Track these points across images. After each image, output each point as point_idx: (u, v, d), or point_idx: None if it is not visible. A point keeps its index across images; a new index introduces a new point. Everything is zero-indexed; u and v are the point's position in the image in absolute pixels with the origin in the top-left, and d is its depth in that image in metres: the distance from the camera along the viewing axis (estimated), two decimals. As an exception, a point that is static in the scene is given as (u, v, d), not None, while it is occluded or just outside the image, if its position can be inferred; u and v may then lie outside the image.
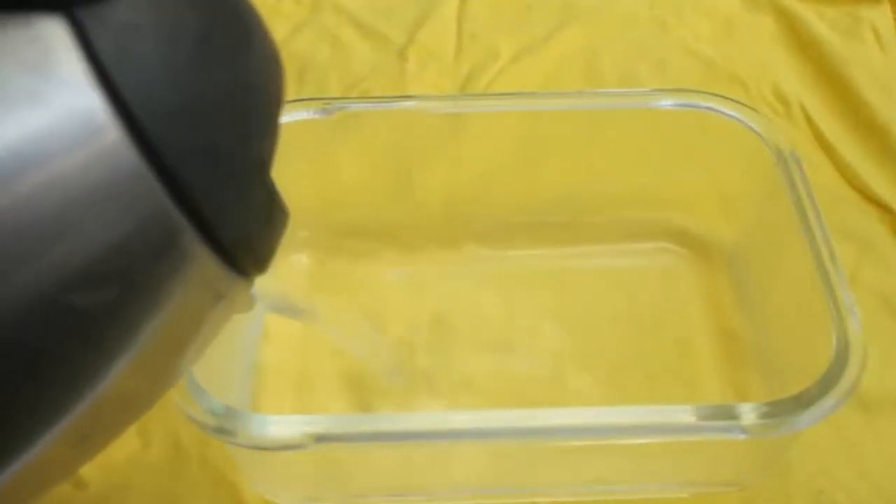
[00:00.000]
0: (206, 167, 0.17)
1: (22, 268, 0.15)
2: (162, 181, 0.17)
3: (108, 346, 0.17)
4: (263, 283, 0.21)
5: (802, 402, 0.27)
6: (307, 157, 0.35)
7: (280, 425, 0.27)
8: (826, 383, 0.27)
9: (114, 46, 0.16)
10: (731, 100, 0.35)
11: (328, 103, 0.35)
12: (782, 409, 0.27)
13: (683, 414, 0.27)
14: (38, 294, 0.16)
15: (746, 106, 0.35)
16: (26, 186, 0.15)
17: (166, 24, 0.17)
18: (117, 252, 0.16)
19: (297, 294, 0.31)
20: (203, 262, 0.18)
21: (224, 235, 0.18)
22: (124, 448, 0.33)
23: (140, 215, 0.17)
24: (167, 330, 0.18)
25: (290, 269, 0.37)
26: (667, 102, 0.36)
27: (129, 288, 0.17)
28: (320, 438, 0.26)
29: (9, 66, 0.15)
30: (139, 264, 0.17)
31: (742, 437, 0.27)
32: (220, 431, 0.26)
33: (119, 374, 0.18)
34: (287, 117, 0.32)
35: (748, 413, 0.27)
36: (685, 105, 0.35)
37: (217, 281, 0.19)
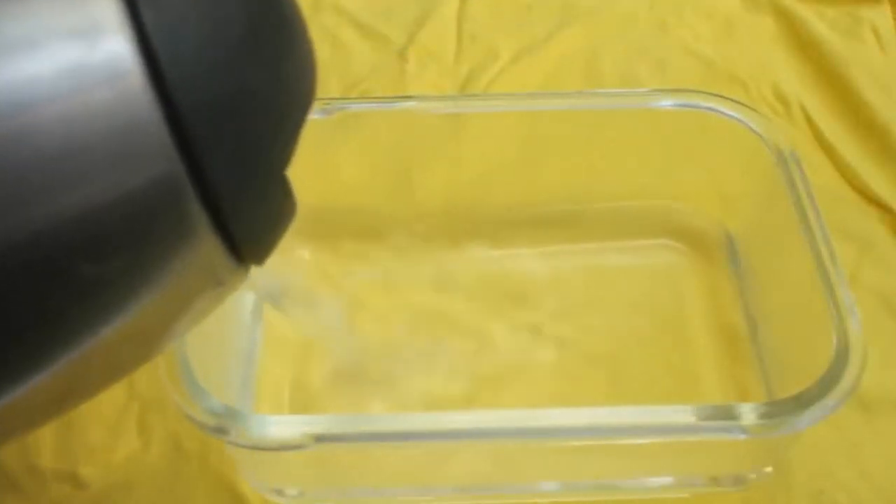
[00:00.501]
0: (228, 151, 0.17)
1: (28, 204, 0.15)
2: (180, 151, 0.16)
3: (94, 304, 0.17)
4: (260, 273, 0.21)
5: (802, 402, 0.27)
6: (307, 157, 0.35)
7: (280, 425, 0.27)
8: (826, 383, 0.27)
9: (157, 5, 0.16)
10: (731, 100, 0.35)
11: (328, 103, 0.35)
12: (782, 409, 0.27)
13: (683, 414, 0.27)
14: (37, 236, 0.16)
15: (746, 106, 0.35)
16: (46, 117, 0.15)
17: (215, 9, 0.17)
18: (121, 209, 0.16)
19: (293, 288, 0.31)
20: (206, 245, 0.18)
21: (233, 223, 0.18)
22: (124, 448, 0.33)
23: (152, 179, 0.16)
24: (156, 303, 0.18)
25: (289, 266, 0.37)
26: (667, 103, 0.36)
27: (126, 249, 0.17)
28: (320, 438, 0.26)
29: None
30: (141, 228, 0.17)
31: (742, 437, 0.27)
32: (220, 431, 0.26)
33: (100, 337, 0.17)
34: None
35: (748, 413, 0.27)
36: (685, 105, 0.35)
37: (217, 266, 0.19)
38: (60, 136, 0.15)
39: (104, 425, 0.33)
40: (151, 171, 0.16)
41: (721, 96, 0.35)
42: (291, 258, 0.37)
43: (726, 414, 0.27)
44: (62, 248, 0.16)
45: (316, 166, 0.35)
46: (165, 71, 0.16)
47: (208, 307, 0.21)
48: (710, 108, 0.35)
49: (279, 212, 0.20)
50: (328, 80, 0.45)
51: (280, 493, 0.32)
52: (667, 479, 0.32)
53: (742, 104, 0.35)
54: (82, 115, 0.16)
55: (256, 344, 0.35)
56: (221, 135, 0.17)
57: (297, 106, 0.20)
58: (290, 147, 0.20)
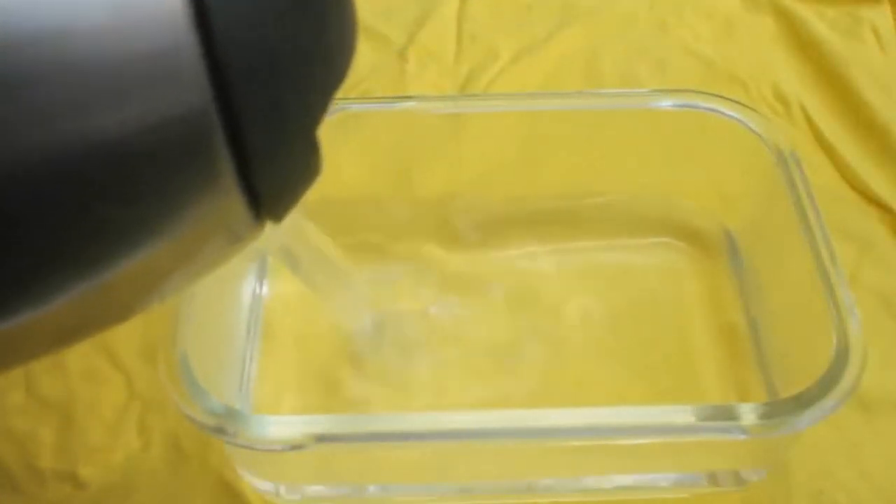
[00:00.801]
0: (263, 99, 0.17)
1: (61, 116, 0.15)
2: (214, 89, 0.16)
3: (105, 234, 0.17)
4: (278, 232, 0.21)
5: (802, 402, 0.27)
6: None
7: (280, 426, 0.27)
8: (826, 384, 0.27)
9: None
10: (731, 100, 0.35)
11: (328, 104, 0.35)
12: (782, 410, 0.27)
13: (683, 414, 0.27)
14: (63, 152, 0.15)
15: (746, 106, 0.35)
16: (85, 26, 0.15)
17: None
18: (148, 137, 0.16)
19: (310, 249, 0.31)
20: (227, 193, 0.18)
21: (257, 175, 0.18)
22: (124, 448, 0.33)
23: (182, 111, 0.16)
24: (167, 246, 0.18)
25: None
26: (667, 103, 0.36)
27: (148, 183, 0.16)
28: (320, 438, 0.26)
29: None
30: (165, 161, 0.16)
31: (742, 437, 0.27)
32: (220, 432, 0.26)
33: (106, 270, 0.17)
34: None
35: (748, 413, 0.27)
36: (685, 105, 0.35)
37: (235, 217, 0.18)
38: (98, 47, 0.15)
39: (104, 425, 0.33)
40: (182, 103, 0.16)
41: (721, 96, 0.35)
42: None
43: (726, 414, 0.27)
44: (84, 170, 0.16)
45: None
46: (210, 7, 0.16)
47: (219, 260, 0.20)
48: (709, 109, 0.35)
49: (304, 170, 0.20)
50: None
51: (280, 493, 0.32)
52: (666, 480, 0.32)
53: (742, 104, 0.35)
54: (122, 29, 0.15)
55: (256, 344, 0.35)
56: (258, 81, 0.17)
57: (336, 66, 0.19)
58: (324, 107, 0.19)
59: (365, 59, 0.46)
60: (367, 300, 0.35)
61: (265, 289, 0.37)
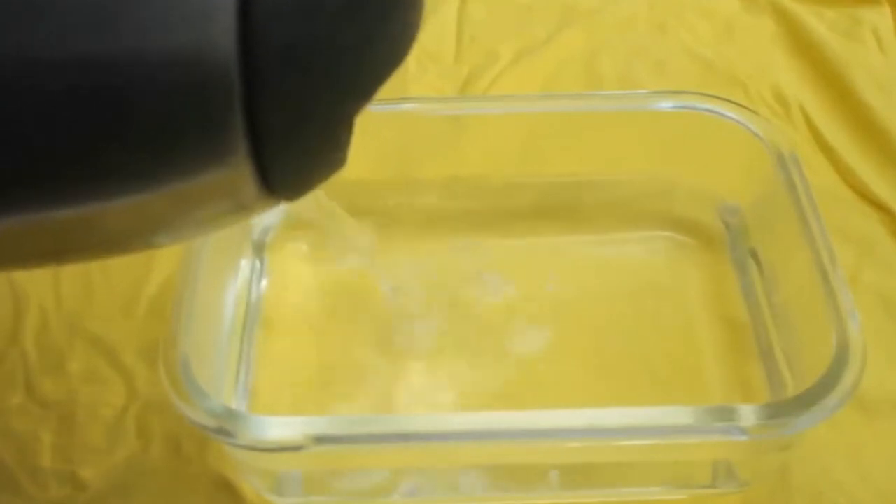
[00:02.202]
0: (287, 84, 0.17)
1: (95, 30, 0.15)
2: (241, 57, 0.16)
3: (109, 167, 0.16)
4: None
5: (802, 403, 0.27)
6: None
7: (280, 426, 0.27)
8: (826, 385, 0.27)
9: None
10: (731, 102, 0.35)
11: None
12: (782, 411, 0.27)
13: (683, 415, 0.27)
14: (84, 70, 0.15)
15: (746, 108, 0.35)
16: None
17: None
18: (171, 77, 0.16)
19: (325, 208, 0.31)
20: (237, 166, 0.17)
21: (271, 158, 0.17)
22: (124, 449, 0.33)
23: (207, 67, 0.16)
24: (167, 194, 0.17)
25: (288, 259, 0.37)
26: (666, 104, 0.36)
27: (154, 134, 0.16)
28: (320, 439, 0.27)
29: None
30: (180, 110, 0.16)
31: (742, 438, 0.27)
32: (220, 433, 0.26)
33: (108, 208, 0.17)
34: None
35: (748, 414, 0.27)
36: (685, 107, 0.35)
37: (243, 189, 0.18)
38: None
39: (104, 426, 0.33)
40: (208, 58, 0.16)
41: (721, 98, 0.35)
42: (289, 247, 0.37)
43: (726, 415, 0.27)
44: (101, 91, 0.15)
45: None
46: None
47: (224, 221, 0.20)
48: (709, 110, 0.35)
49: (321, 162, 0.19)
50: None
51: (280, 493, 0.32)
52: (665, 480, 0.32)
53: (742, 106, 0.35)
54: None
55: (255, 344, 0.35)
56: (288, 62, 0.17)
57: (380, 67, 0.19)
58: (357, 104, 0.19)
59: (365, 60, 0.46)
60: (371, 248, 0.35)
61: (264, 290, 0.37)
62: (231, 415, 0.27)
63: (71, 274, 0.37)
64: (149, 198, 0.17)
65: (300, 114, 0.17)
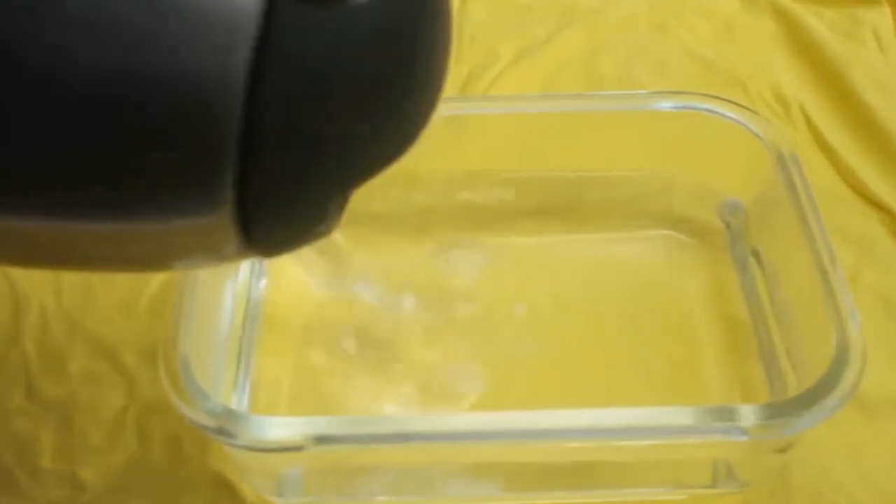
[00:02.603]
0: (284, 153, 0.17)
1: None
2: (245, 109, 0.16)
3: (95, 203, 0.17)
4: None
5: (802, 403, 0.27)
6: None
7: (280, 427, 0.27)
8: (826, 385, 0.27)
9: None
10: (731, 102, 0.35)
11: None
12: (782, 411, 0.27)
13: (682, 416, 0.27)
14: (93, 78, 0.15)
15: (746, 108, 0.35)
16: None
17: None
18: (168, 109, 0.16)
19: None
20: (220, 212, 0.17)
21: (254, 218, 0.17)
22: (124, 450, 0.33)
23: (207, 106, 0.16)
24: (144, 231, 0.17)
25: (288, 259, 0.37)
26: (666, 104, 0.36)
27: (152, 154, 0.16)
28: (320, 440, 0.27)
29: None
30: (172, 142, 0.16)
31: (742, 438, 0.27)
32: (220, 433, 0.26)
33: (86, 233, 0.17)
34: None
35: (748, 414, 0.27)
36: (685, 107, 0.35)
37: (223, 238, 0.18)
38: None
39: (104, 427, 0.33)
40: (209, 101, 0.16)
41: (721, 98, 0.35)
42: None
43: (726, 415, 0.27)
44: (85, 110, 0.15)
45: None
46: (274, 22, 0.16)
47: (202, 264, 0.20)
48: (709, 110, 0.35)
49: (306, 230, 0.19)
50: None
51: (280, 494, 0.32)
52: (665, 481, 0.32)
53: (742, 106, 0.35)
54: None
55: (255, 345, 0.35)
56: (288, 137, 0.17)
57: (385, 154, 0.19)
58: (354, 187, 0.19)
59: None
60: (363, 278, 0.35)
61: (264, 289, 0.37)
62: (231, 415, 0.27)
63: (71, 274, 0.37)
64: (132, 225, 0.17)
65: (290, 188, 0.17)
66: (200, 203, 0.17)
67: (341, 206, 0.19)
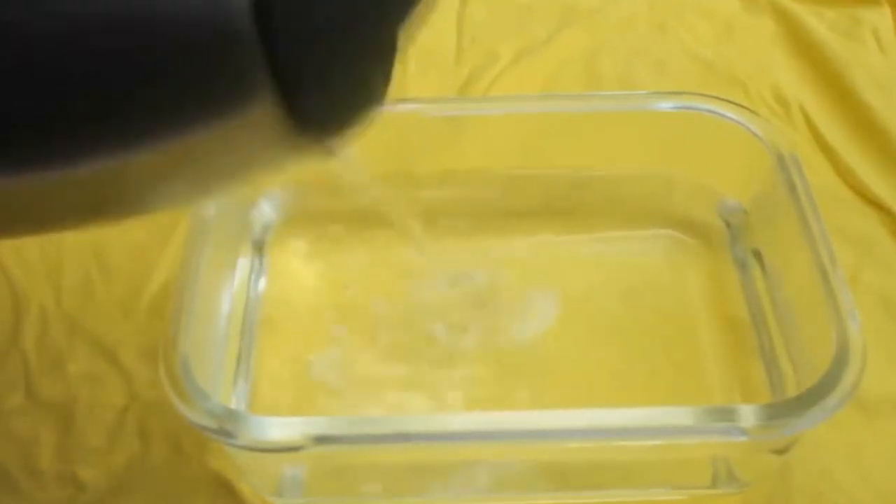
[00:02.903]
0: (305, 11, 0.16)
1: None
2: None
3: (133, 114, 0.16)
4: None
5: (802, 404, 0.27)
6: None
7: (280, 427, 0.27)
8: (826, 385, 0.27)
9: None
10: (731, 102, 0.35)
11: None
12: (782, 412, 0.27)
13: (682, 416, 0.27)
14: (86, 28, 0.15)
15: (746, 108, 0.35)
16: None
17: None
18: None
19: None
20: (266, 108, 0.17)
21: (297, 94, 0.17)
22: (124, 450, 0.33)
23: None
24: (188, 142, 0.17)
25: (288, 258, 0.37)
26: (666, 105, 0.36)
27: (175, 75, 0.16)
28: (320, 440, 0.27)
29: None
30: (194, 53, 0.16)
31: (742, 438, 0.27)
32: (220, 433, 0.26)
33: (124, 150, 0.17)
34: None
35: (748, 415, 0.27)
36: (685, 107, 0.35)
37: (276, 132, 0.17)
38: None
39: (104, 427, 0.33)
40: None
41: (720, 98, 0.35)
42: (289, 244, 0.37)
43: (726, 415, 0.27)
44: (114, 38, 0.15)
45: (316, 167, 0.36)
46: None
47: (263, 166, 0.19)
48: (709, 111, 0.35)
49: (355, 93, 0.18)
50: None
51: (280, 495, 0.32)
52: (665, 481, 0.32)
53: (742, 106, 0.35)
54: None
55: (255, 344, 0.35)
56: None
57: None
58: (389, 20, 0.18)
59: (365, 60, 0.46)
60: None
61: (264, 288, 0.37)
62: (231, 415, 0.27)
63: (71, 274, 0.37)
64: (181, 143, 0.17)
65: (323, 43, 0.17)
66: (237, 93, 0.16)
67: (386, 57, 0.18)
